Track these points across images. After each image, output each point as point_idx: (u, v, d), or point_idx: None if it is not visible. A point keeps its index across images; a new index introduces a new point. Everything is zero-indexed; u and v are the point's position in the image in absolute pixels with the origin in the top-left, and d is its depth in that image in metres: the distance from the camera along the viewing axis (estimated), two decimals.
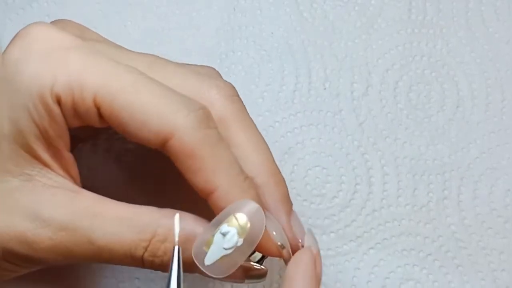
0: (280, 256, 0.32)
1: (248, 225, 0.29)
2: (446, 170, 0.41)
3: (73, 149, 0.32)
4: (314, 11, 0.43)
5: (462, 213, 0.40)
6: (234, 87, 0.34)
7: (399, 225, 0.40)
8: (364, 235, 0.39)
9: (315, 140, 0.41)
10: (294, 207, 0.34)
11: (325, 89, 0.42)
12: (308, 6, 0.43)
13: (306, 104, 0.41)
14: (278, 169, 0.33)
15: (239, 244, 0.29)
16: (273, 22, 0.43)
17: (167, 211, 0.31)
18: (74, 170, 0.32)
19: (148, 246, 0.30)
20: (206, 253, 0.29)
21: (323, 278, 0.37)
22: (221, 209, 0.30)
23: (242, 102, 0.34)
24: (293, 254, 0.32)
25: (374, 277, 0.39)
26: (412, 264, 0.39)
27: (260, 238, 0.30)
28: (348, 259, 0.39)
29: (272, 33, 0.42)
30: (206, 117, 0.30)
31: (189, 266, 0.30)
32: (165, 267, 0.30)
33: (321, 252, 0.33)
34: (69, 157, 0.32)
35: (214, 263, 0.29)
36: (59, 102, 0.30)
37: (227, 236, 0.29)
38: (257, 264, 0.32)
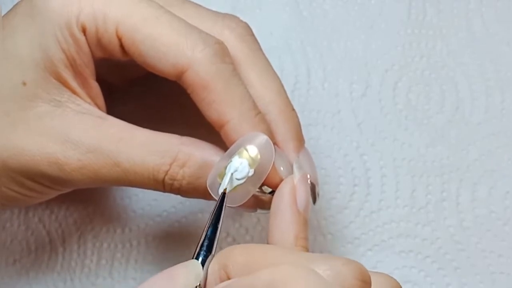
0: None
1: (259, 156, 0.31)
2: (445, 171, 0.40)
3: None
4: (314, 11, 0.43)
5: (460, 215, 0.40)
6: (248, 26, 0.35)
7: (397, 226, 0.39)
8: (362, 236, 0.39)
9: (314, 140, 0.40)
10: None
11: (324, 89, 0.42)
12: (307, 6, 0.43)
13: (305, 104, 0.41)
14: (290, 106, 0.34)
15: (250, 174, 0.31)
16: (272, 21, 0.42)
17: (186, 139, 0.32)
18: (100, 99, 0.34)
19: (168, 170, 0.32)
20: (219, 183, 0.31)
21: None
22: (232, 141, 0.32)
23: (256, 41, 0.35)
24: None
25: None
26: (410, 266, 0.39)
27: (270, 168, 0.31)
28: None
29: (271, 32, 0.42)
30: (221, 52, 0.32)
31: (205, 194, 0.32)
32: (183, 192, 0.32)
33: None
34: (95, 86, 0.33)
35: (228, 193, 0.31)
36: (84, 31, 0.32)
37: (239, 167, 0.31)
38: (268, 195, 0.33)
